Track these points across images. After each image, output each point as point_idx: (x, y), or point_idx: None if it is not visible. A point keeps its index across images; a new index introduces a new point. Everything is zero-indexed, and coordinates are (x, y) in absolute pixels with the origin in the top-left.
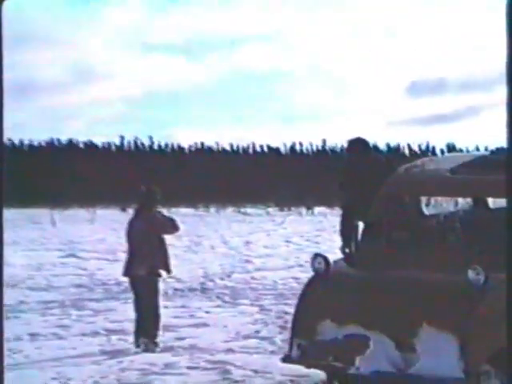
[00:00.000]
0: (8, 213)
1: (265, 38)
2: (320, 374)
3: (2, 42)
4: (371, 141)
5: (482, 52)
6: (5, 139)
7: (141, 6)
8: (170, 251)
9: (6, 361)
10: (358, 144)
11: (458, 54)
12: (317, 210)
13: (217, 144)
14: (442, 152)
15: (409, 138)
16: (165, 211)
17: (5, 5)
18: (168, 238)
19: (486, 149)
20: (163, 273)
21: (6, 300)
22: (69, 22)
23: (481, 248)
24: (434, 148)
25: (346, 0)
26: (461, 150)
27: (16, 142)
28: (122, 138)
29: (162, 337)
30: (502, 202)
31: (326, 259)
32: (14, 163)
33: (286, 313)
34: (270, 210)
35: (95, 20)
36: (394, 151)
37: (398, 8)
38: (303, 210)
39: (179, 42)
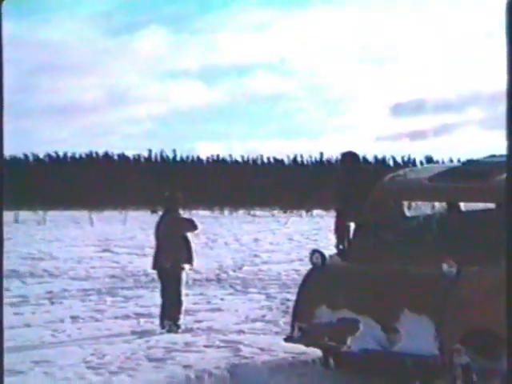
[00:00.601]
0: (52, 214)
1: (269, 65)
2: (317, 352)
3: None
4: (361, 154)
5: (457, 77)
6: (51, 152)
7: (163, 37)
8: None
9: (51, 339)
10: (349, 156)
11: (435, 79)
12: (315, 212)
13: (230, 156)
14: (422, 163)
15: (393, 151)
16: (186, 213)
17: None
18: (190, 235)
19: (458, 160)
20: (186, 265)
21: (53, 288)
22: (104, 52)
23: (454, 245)
24: (414, 160)
25: (339, 30)
26: (437, 162)
27: (60, 154)
28: (150, 151)
29: (183, 320)
30: (471, 206)
31: (322, 254)
32: (57, 172)
33: (288, 300)
34: (275, 212)
35: (126, 50)
36: (381, 163)
37: (387, 38)
38: (303, 213)
39: (197, 68)
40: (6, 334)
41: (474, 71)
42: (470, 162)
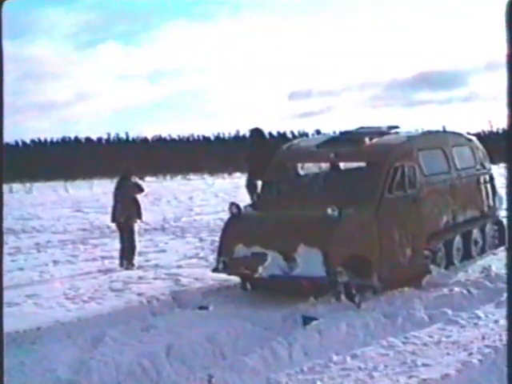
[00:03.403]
0: (37, 185)
1: (196, 67)
2: (236, 279)
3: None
4: (267, 130)
5: (335, 70)
6: (35, 138)
7: (117, 49)
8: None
9: (38, 278)
10: (255, 131)
11: (319, 72)
12: (235, 175)
13: (169, 135)
14: (313, 135)
15: (291, 127)
16: (138, 180)
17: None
18: (139, 196)
19: (337, 132)
20: (138, 220)
21: (39, 240)
22: (73, 62)
23: (335, 194)
24: (307, 133)
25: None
26: (323, 134)
27: (42, 140)
28: (109, 134)
29: (137, 259)
30: (348, 165)
31: (237, 206)
32: (40, 154)
33: (215, 241)
34: (205, 176)
35: (90, 60)
36: (283, 136)
37: (278, 35)
38: (226, 175)
39: (143, 72)
40: (6, 276)
41: (347, 66)
42: (345, 132)
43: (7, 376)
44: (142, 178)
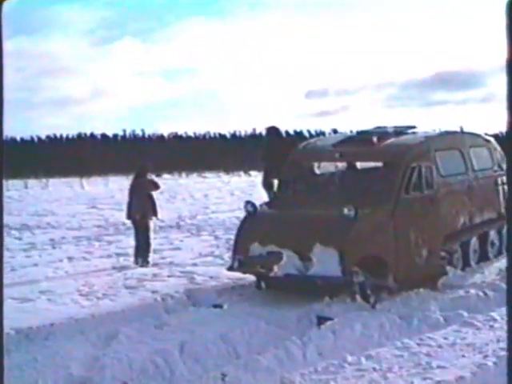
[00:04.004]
0: (53, 181)
1: (211, 66)
2: (251, 277)
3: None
4: (284, 128)
5: (351, 70)
6: (51, 134)
7: (133, 46)
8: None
9: (53, 274)
10: (272, 130)
11: (338, 71)
12: (251, 173)
13: (185, 133)
14: (329, 134)
15: (308, 126)
16: (154, 177)
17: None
18: (154, 194)
19: (354, 131)
20: (153, 217)
21: (54, 236)
22: (89, 58)
23: (351, 193)
24: (324, 132)
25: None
26: (340, 133)
27: (57, 136)
28: (125, 131)
29: (152, 257)
30: (364, 165)
31: (253, 204)
32: (55, 150)
33: (231, 240)
34: (221, 174)
35: (106, 56)
36: (299, 134)
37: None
38: (242, 173)
39: (159, 69)
40: (20, 272)
41: (363, 66)
42: (362, 132)
43: (19, 371)
44: (159, 175)
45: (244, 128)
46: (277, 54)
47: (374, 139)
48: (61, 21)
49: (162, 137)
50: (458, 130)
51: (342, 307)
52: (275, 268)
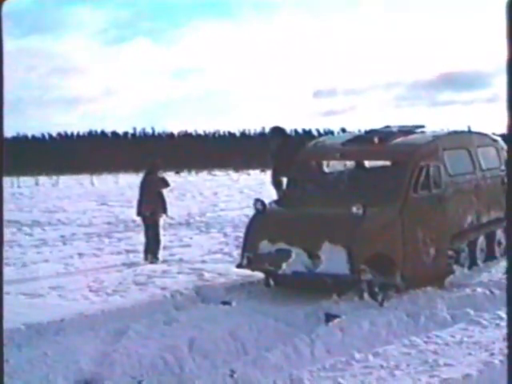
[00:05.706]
0: (63, 178)
1: (220, 67)
2: (260, 275)
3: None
4: (292, 127)
5: (359, 69)
6: (61, 132)
7: (144, 46)
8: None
9: (63, 271)
10: (277, 130)
11: (346, 70)
12: (260, 170)
13: (195, 131)
14: (338, 133)
15: (317, 125)
16: (165, 175)
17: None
18: (164, 191)
19: (363, 131)
20: (163, 214)
21: (64, 233)
22: (100, 58)
23: (360, 192)
24: (332, 131)
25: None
26: (348, 132)
27: (68, 133)
28: (135, 129)
29: (161, 254)
30: (373, 163)
31: (262, 202)
32: (66, 147)
33: (240, 237)
34: (230, 172)
35: (117, 56)
36: (308, 133)
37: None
38: (251, 171)
39: (169, 68)
40: (31, 268)
41: (371, 66)
42: (371, 131)
43: (30, 366)
44: (178, 173)
45: (253, 126)
46: (285, 53)
47: (383, 138)
48: (73, 21)
49: (171, 135)
50: (466, 129)
51: (350, 305)
52: (284, 265)
